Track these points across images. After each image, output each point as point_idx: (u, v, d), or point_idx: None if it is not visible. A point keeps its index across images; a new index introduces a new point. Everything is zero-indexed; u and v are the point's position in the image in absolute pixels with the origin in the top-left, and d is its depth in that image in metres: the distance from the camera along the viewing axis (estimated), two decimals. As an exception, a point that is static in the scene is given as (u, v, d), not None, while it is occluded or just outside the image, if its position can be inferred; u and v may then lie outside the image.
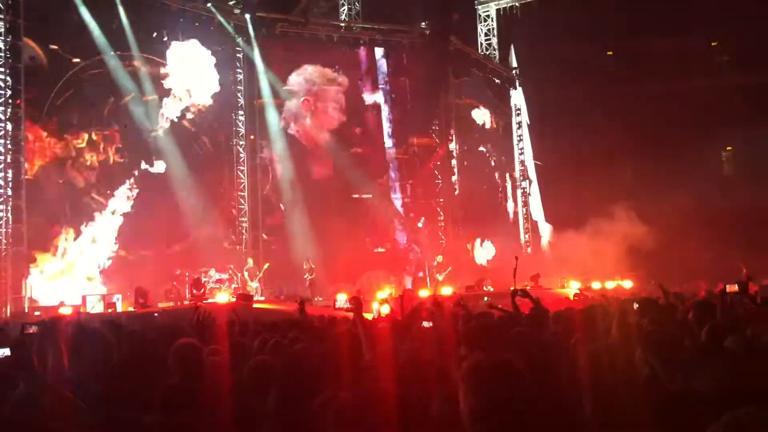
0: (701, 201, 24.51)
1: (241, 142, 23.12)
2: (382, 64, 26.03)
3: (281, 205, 23.84)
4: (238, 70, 23.25)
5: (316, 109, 24.67)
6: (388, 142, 26.12)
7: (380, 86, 25.99)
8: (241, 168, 23.06)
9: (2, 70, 17.41)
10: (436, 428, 2.93)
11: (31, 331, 7.86)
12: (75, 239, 18.91)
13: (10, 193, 17.28)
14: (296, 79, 24.48)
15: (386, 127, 26.13)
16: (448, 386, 3.54)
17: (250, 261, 21.13)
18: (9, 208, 17.23)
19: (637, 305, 6.26)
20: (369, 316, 12.60)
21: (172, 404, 3.19)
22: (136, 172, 20.23)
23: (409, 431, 2.64)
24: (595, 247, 23.90)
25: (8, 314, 16.13)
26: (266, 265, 21.36)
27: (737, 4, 25.56)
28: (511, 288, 6.89)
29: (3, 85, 17.37)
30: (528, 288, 19.37)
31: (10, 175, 17.35)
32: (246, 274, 20.56)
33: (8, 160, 17.31)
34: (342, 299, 18.49)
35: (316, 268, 21.47)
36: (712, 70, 29.35)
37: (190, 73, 21.49)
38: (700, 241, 23.60)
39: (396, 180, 25.96)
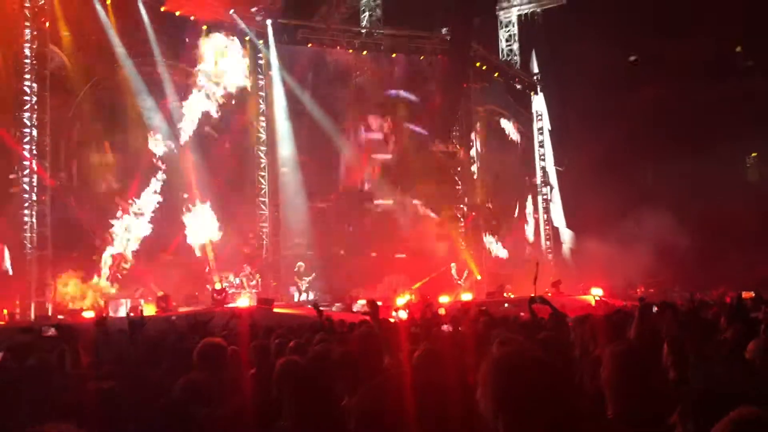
0: (726, 207, 24.21)
1: (262, 148, 23.24)
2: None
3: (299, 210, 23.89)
4: (260, 77, 23.39)
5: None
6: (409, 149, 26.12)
7: (403, 93, 25.98)
8: (262, 174, 23.18)
9: (28, 77, 17.71)
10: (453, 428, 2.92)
11: (48, 334, 7.94)
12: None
13: (35, 198, 17.55)
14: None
15: (408, 134, 26.10)
16: (466, 387, 3.53)
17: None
18: (34, 212, 17.50)
19: (657, 308, 6.21)
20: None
21: (195, 400, 3.22)
22: (159, 178, 20.41)
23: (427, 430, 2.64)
24: (617, 253, 23.68)
25: (32, 317, 16.35)
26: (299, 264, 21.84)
27: (763, 9, 25.26)
28: (531, 295, 6.85)
29: (29, 92, 17.66)
30: (549, 295, 19.33)
31: (35, 180, 17.62)
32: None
33: (33, 165, 17.58)
34: (361, 304, 18.55)
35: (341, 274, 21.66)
36: (736, 75, 29.03)
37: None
38: (725, 247, 23.31)
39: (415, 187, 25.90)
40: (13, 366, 4.68)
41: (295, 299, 21.78)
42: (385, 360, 4.67)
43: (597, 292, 21.63)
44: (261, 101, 23.38)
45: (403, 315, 15.10)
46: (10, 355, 5.09)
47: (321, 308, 8.06)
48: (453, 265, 24.53)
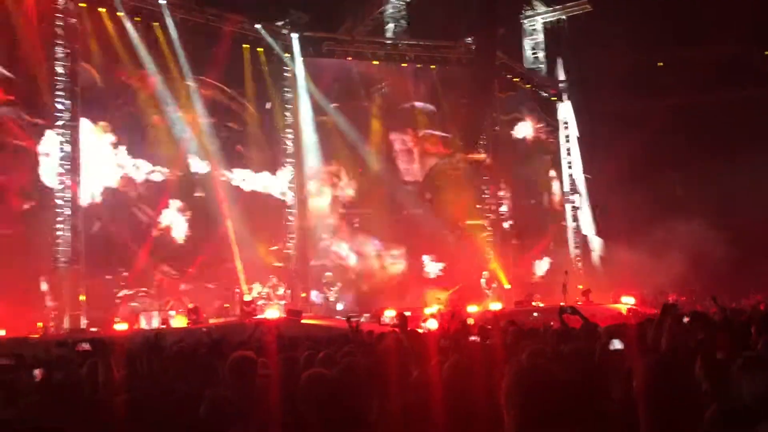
0: (757, 214, 23.77)
1: (289, 160, 23.37)
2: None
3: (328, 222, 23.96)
4: (286, 89, 23.54)
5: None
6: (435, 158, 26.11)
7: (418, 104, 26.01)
8: (291, 185, 23.29)
9: (62, 94, 18.07)
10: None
11: (83, 348, 8.02)
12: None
13: (68, 212, 17.84)
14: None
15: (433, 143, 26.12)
16: (495, 398, 3.51)
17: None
18: (68, 227, 17.80)
19: (688, 319, 6.10)
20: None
21: (221, 417, 3.24)
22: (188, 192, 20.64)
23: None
24: (647, 261, 23.34)
25: (66, 330, 16.58)
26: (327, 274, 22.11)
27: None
28: (561, 304, 6.77)
29: (63, 108, 18.02)
30: (579, 303, 19.11)
31: (68, 195, 17.93)
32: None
33: (67, 181, 17.90)
34: (389, 315, 18.49)
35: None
36: (766, 80, 28.51)
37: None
38: (759, 256, 22.86)
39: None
40: (47, 381, 4.76)
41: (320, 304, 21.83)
42: (413, 372, 4.66)
43: (628, 301, 21.35)
44: (287, 113, 23.54)
45: (432, 325, 15.04)
46: (45, 370, 5.18)
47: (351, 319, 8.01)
48: (485, 273, 24.36)
